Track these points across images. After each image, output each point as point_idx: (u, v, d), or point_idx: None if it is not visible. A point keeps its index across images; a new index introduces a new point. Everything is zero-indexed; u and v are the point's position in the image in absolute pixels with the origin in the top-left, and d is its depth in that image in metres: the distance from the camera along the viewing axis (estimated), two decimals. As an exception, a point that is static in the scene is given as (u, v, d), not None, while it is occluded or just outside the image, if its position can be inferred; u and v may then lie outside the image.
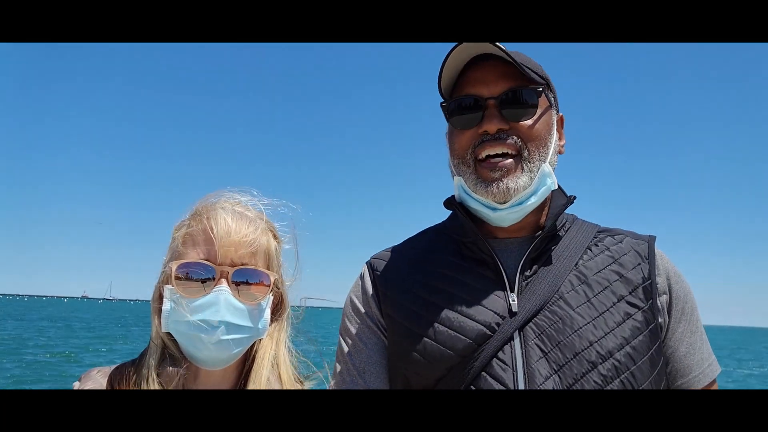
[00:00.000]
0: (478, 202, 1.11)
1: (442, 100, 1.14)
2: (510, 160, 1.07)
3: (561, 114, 1.20)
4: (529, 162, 1.07)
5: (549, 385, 0.99)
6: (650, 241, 1.16)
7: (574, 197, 1.16)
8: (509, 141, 1.07)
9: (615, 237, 1.17)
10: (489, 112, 1.07)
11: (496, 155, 1.07)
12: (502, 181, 1.06)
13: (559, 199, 1.17)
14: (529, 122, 1.08)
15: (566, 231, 1.16)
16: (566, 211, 1.19)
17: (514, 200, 1.08)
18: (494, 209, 1.10)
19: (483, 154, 1.08)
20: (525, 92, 1.07)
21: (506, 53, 1.04)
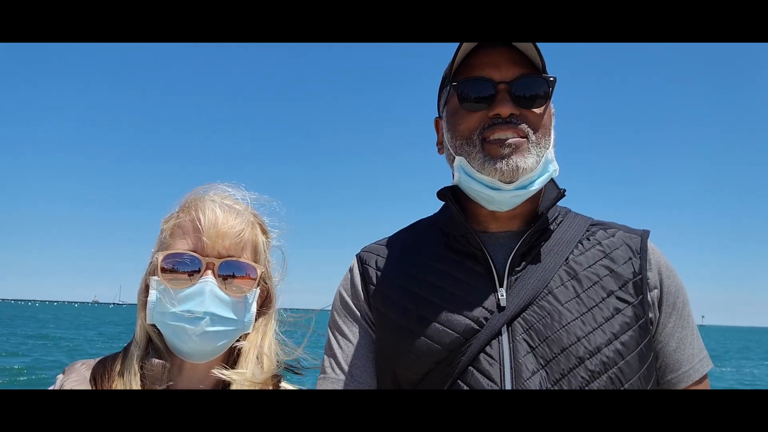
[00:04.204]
0: (482, 183, 1.08)
1: (454, 82, 1.10)
2: (519, 139, 1.06)
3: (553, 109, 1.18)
4: (537, 146, 1.07)
5: (536, 380, 0.98)
6: (643, 235, 1.15)
7: (564, 190, 1.15)
8: (519, 126, 1.06)
9: (607, 231, 1.16)
10: (501, 96, 1.06)
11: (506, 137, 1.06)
12: (511, 158, 1.04)
13: (551, 192, 1.16)
14: (538, 110, 1.08)
15: (558, 225, 1.15)
16: (560, 204, 1.17)
17: (520, 182, 1.06)
18: (499, 189, 1.07)
19: (492, 137, 1.06)
20: (538, 80, 1.07)
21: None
